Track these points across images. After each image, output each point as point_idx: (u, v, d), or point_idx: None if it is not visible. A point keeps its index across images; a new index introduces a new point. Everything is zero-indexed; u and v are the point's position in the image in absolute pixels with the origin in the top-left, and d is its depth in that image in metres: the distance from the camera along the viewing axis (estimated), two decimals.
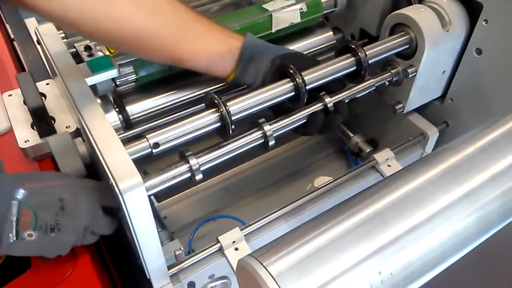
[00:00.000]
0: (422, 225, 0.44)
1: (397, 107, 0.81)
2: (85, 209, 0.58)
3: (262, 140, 0.67)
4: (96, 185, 0.62)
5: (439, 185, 0.47)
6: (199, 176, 0.61)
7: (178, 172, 0.60)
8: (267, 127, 0.66)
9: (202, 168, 0.62)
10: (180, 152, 0.62)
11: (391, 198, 0.46)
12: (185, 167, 0.61)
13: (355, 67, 0.71)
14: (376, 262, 0.42)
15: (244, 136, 0.66)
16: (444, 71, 0.79)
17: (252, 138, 0.66)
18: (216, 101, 0.62)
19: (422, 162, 0.51)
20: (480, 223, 0.47)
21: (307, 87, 0.66)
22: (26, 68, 0.89)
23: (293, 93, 0.67)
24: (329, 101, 0.69)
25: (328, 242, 0.42)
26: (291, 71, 0.66)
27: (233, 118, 0.62)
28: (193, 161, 0.61)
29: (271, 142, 0.67)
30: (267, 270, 0.40)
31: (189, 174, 0.61)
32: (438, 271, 0.46)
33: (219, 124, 0.62)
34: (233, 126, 0.62)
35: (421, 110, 0.86)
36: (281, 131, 0.68)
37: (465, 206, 0.47)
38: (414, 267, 0.44)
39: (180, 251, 0.63)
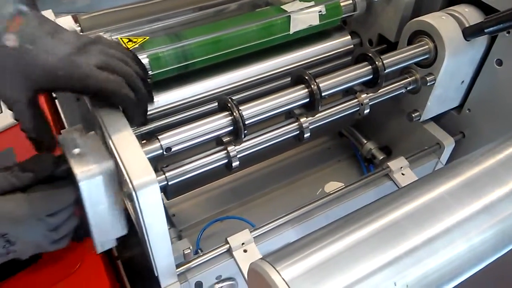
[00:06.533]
0: (440, 237, 0.44)
1: (413, 115, 0.80)
2: None
3: (298, 132, 0.70)
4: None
5: (458, 197, 0.46)
6: (235, 163, 0.65)
7: (214, 158, 0.64)
8: (303, 119, 0.70)
9: (239, 156, 0.65)
10: (217, 139, 0.65)
11: (409, 208, 0.45)
12: (222, 154, 0.65)
13: (371, 76, 0.71)
14: (392, 272, 0.41)
15: (280, 127, 0.70)
16: (463, 81, 0.78)
17: (289, 129, 0.70)
18: (229, 105, 0.62)
19: (440, 173, 0.50)
20: (498, 237, 0.46)
21: (322, 94, 0.66)
22: None
23: (307, 100, 0.67)
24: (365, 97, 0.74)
25: (343, 250, 0.42)
26: (306, 78, 0.66)
27: (246, 123, 0.62)
28: (231, 148, 0.64)
29: (307, 134, 0.70)
30: (280, 275, 0.40)
31: (226, 161, 0.65)
32: (454, 284, 0.45)
33: (231, 128, 0.63)
34: (245, 131, 0.62)
35: (437, 119, 0.84)
36: (318, 124, 0.71)
37: (484, 220, 0.46)
38: (429, 279, 0.43)
39: (189, 250, 0.63)
